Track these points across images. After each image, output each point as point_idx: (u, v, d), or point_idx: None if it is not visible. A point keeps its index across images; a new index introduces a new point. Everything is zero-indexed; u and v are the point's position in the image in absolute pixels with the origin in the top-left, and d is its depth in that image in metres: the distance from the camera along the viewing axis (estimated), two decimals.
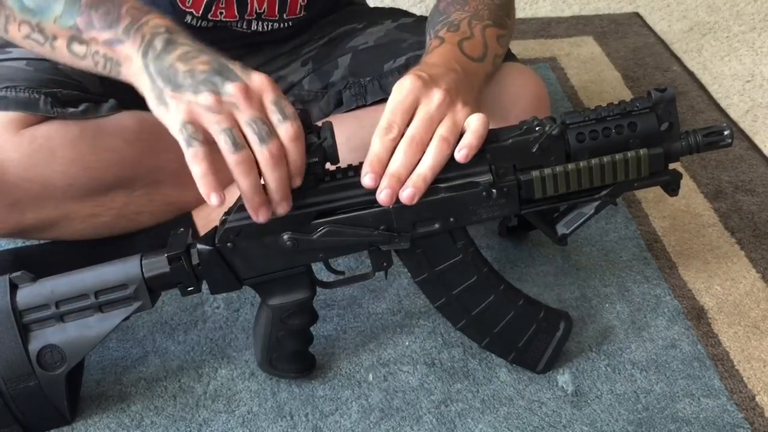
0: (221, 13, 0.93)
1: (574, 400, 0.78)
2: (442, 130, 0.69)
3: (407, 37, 0.95)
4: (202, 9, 0.92)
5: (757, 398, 0.78)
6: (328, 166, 0.70)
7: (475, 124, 0.70)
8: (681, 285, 0.91)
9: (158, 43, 0.68)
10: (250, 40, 0.98)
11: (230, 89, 0.64)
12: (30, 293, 0.73)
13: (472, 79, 0.77)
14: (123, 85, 0.94)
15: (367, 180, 0.69)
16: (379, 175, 0.69)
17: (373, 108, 0.91)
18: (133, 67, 0.69)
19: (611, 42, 1.50)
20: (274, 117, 0.65)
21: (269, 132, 0.64)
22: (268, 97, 0.65)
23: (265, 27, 0.96)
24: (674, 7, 1.66)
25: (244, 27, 0.95)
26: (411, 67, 0.91)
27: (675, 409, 0.77)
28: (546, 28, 1.56)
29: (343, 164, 0.71)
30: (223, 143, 0.63)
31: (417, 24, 0.99)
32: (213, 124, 0.63)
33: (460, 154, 0.69)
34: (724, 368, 0.81)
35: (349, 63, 0.96)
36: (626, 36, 1.53)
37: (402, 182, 0.69)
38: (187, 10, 0.92)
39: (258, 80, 0.65)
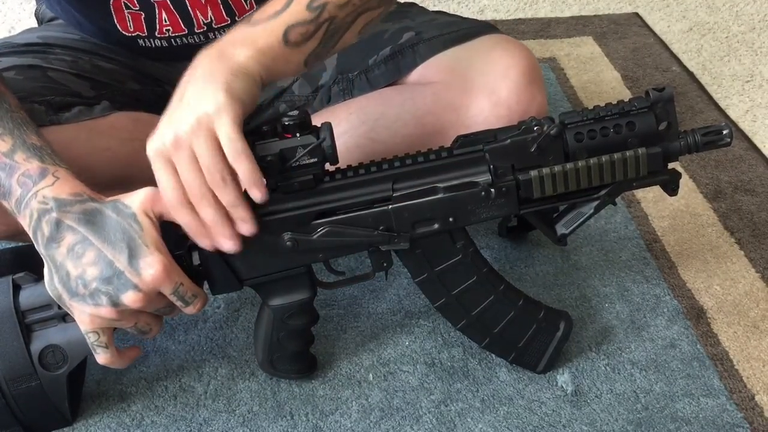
0: (167, 30, 0.91)
1: (574, 400, 0.78)
2: (207, 166, 0.63)
3: (388, 26, 0.95)
4: (145, 28, 0.91)
5: (757, 398, 0.78)
6: (328, 166, 0.70)
7: (230, 151, 0.63)
8: (680, 285, 0.92)
9: (46, 227, 0.67)
10: None
11: (127, 301, 0.66)
12: (32, 294, 0.73)
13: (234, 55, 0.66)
14: (114, 88, 0.94)
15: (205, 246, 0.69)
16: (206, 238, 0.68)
17: (363, 96, 0.91)
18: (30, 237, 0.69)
19: (611, 42, 1.50)
20: (178, 304, 0.69)
21: (171, 310, 0.71)
22: (167, 290, 0.68)
23: (223, 33, 0.94)
24: (674, 7, 1.66)
25: (201, 39, 0.93)
26: (397, 57, 0.90)
27: (674, 408, 0.77)
28: (545, 28, 1.56)
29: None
30: (133, 332, 0.71)
31: (399, 11, 0.98)
32: (120, 326, 0.70)
33: (259, 198, 0.66)
34: (724, 368, 0.81)
35: (336, 64, 0.96)
36: (626, 36, 1.53)
37: (224, 224, 0.66)
38: (133, 35, 0.92)
39: (151, 277, 0.66)
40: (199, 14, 0.91)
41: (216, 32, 0.93)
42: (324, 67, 0.97)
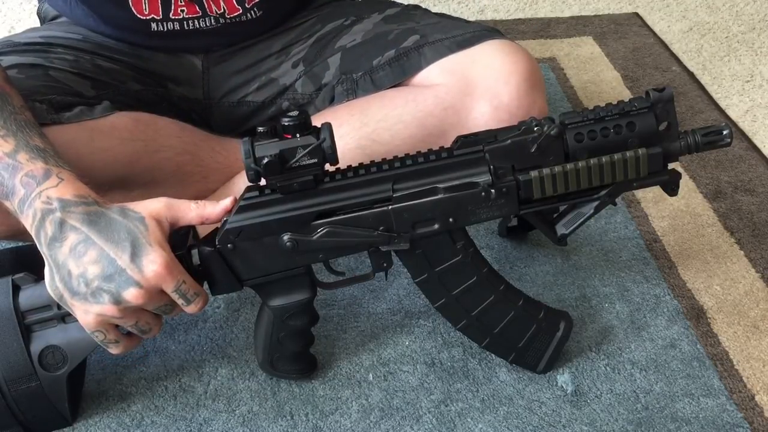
0: (182, 10, 0.93)
1: (574, 400, 0.78)
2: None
3: (393, 28, 0.96)
4: (161, 11, 0.93)
5: (757, 398, 0.78)
6: (328, 167, 0.70)
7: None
8: (680, 285, 0.92)
9: (49, 227, 0.67)
10: (229, 35, 0.98)
11: (129, 298, 0.67)
12: (32, 294, 0.73)
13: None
14: (115, 88, 0.95)
15: None
16: None
17: (364, 98, 0.92)
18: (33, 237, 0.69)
19: (611, 42, 1.50)
20: (179, 302, 0.70)
21: (172, 308, 0.71)
22: (169, 288, 0.68)
23: (234, 20, 0.96)
24: (674, 7, 1.66)
25: (213, 24, 0.95)
26: (402, 59, 0.91)
27: (674, 408, 0.77)
28: (545, 28, 1.56)
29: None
30: (133, 331, 0.72)
31: (403, 13, 0.99)
32: (121, 324, 0.70)
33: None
34: (724, 368, 0.81)
35: (339, 63, 0.96)
36: (626, 36, 1.53)
37: None
38: (147, 18, 0.93)
39: (153, 273, 0.66)
40: (212, 4, 0.93)
41: (228, 19, 0.95)
42: (327, 66, 0.97)
